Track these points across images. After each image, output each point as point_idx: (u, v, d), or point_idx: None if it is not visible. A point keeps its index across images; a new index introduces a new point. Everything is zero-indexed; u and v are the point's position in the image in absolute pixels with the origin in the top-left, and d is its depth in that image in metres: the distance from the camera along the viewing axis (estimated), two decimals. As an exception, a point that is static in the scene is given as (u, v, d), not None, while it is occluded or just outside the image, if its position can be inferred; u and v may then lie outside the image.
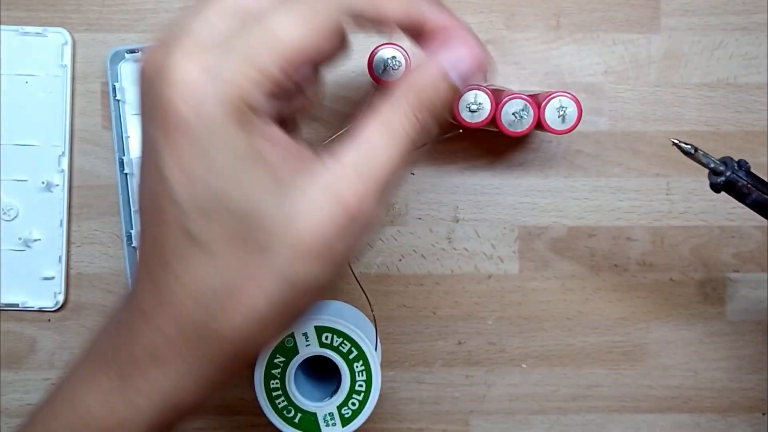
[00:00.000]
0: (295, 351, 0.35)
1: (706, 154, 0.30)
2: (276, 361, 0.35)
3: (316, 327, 0.35)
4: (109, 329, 0.25)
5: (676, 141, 0.30)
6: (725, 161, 0.30)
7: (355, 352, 0.35)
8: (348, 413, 0.35)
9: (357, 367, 0.35)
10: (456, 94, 0.23)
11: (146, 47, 0.23)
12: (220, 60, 0.21)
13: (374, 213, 0.22)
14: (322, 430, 0.35)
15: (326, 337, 0.35)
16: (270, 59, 0.21)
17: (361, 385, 0.35)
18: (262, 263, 0.22)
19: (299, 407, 0.35)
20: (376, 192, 0.22)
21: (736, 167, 0.29)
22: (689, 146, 0.30)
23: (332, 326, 0.35)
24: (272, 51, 0.21)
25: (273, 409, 0.35)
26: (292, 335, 0.35)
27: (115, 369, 0.24)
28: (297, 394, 0.35)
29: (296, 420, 0.35)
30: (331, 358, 0.35)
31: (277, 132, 0.22)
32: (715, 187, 0.30)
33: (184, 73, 0.21)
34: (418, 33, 0.24)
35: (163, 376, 0.23)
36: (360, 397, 0.35)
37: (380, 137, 0.22)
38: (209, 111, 0.21)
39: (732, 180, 0.29)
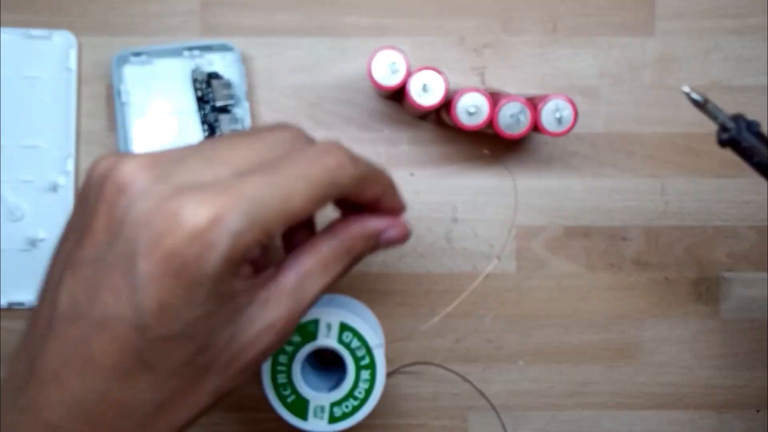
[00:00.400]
0: (313, 337, 0.35)
1: (716, 107, 0.29)
2: (292, 339, 0.35)
3: (341, 323, 0.35)
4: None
5: (687, 90, 0.29)
6: (736, 118, 0.29)
7: (367, 360, 0.35)
8: (338, 413, 0.35)
9: (363, 374, 0.35)
10: (373, 252, 0.28)
11: (142, 165, 0.23)
12: (238, 222, 0.22)
13: (294, 327, 0.26)
14: (309, 419, 0.35)
15: (347, 336, 0.35)
16: (278, 222, 0.23)
17: (360, 393, 0.35)
18: (199, 382, 0.24)
19: (296, 389, 0.35)
20: (302, 314, 0.26)
21: (744, 126, 0.28)
22: (700, 97, 0.29)
23: (356, 328, 0.35)
24: (281, 214, 0.23)
25: (271, 381, 0.35)
26: (317, 321, 0.35)
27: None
28: (299, 376, 0.35)
29: (289, 400, 0.35)
30: (344, 357, 0.35)
31: (248, 268, 0.24)
32: (721, 143, 0.29)
33: (199, 223, 0.21)
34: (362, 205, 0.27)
35: None
36: (355, 403, 0.35)
37: (316, 269, 0.26)
38: (213, 266, 0.22)
39: (736, 138, 0.28)
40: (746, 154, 0.29)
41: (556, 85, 0.41)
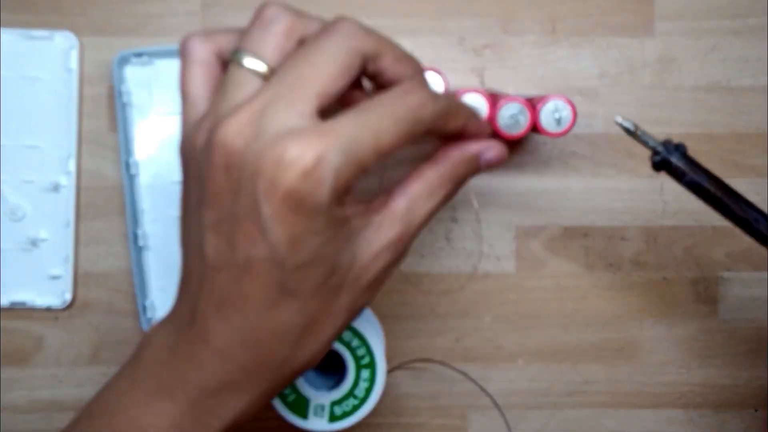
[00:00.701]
0: None
1: (645, 134, 0.31)
2: None
3: None
4: (161, 358, 0.28)
5: (619, 120, 0.31)
6: (665, 143, 0.31)
7: (367, 360, 0.35)
8: (339, 412, 0.35)
9: (364, 374, 0.35)
10: (476, 174, 0.30)
11: (239, 117, 0.25)
12: (337, 158, 0.24)
13: (407, 249, 0.28)
14: (309, 418, 0.35)
15: (347, 335, 0.35)
16: (371, 158, 0.25)
17: (360, 392, 0.35)
18: (335, 301, 0.27)
19: (296, 387, 0.35)
20: (413, 236, 0.28)
21: (672, 149, 0.31)
22: (630, 123, 0.31)
23: (356, 327, 0.35)
24: (373, 150, 0.25)
25: None
26: None
27: (181, 395, 0.27)
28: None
29: (289, 399, 0.35)
30: (344, 356, 0.35)
31: (353, 198, 0.27)
32: (654, 166, 0.31)
33: (303, 164, 0.24)
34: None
35: (238, 402, 0.27)
36: (355, 402, 0.35)
37: (423, 193, 0.28)
38: (324, 197, 0.24)
39: (666, 160, 0.31)
40: (677, 173, 0.31)
41: (556, 85, 0.41)
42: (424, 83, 0.28)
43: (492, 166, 0.30)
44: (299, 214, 0.24)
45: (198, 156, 0.26)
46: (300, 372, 0.28)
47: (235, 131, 0.25)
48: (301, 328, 0.27)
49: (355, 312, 0.28)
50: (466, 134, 0.29)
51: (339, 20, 0.27)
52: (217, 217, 0.26)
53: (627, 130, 0.31)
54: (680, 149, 0.31)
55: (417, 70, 0.29)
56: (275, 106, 0.25)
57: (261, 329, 0.26)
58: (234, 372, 0.27)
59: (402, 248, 0.28)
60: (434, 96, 0.27)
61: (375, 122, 0.25)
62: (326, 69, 0.26)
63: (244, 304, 0.26)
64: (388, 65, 0.27)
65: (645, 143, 0.31)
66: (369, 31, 0.27)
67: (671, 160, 0.31)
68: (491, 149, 0.30)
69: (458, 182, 0.29)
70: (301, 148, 0.24)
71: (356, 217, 0.27)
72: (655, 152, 0.31)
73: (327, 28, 0.27)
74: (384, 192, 0.28)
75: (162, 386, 0.27)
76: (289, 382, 0.28)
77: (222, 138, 0.25)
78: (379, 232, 0.27)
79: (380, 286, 0.28)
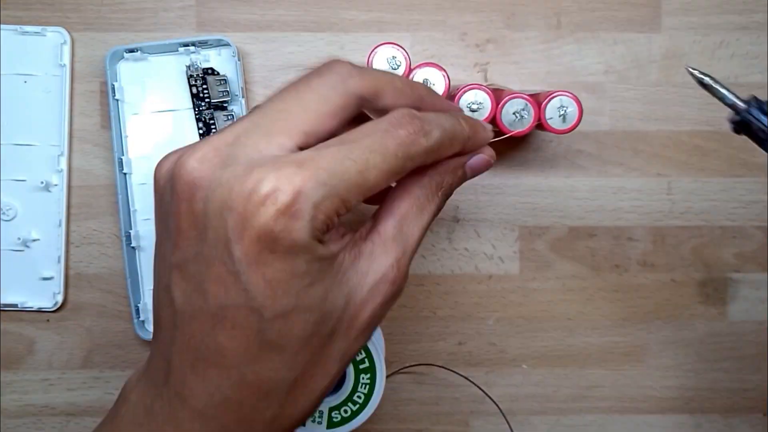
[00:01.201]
0: None
1: (724, 87, 0.27)
2: None
3: None
4: (139, 418, 0.26)
5: (691, 69, 0.27)
6: (748, 99, 0.26)
7: (366, 364, 0.35)
8: (337, 417, 0.35)
9: (363, 378, 0.35)
10: (462, 182, 0.28)
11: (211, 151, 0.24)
12: (316, 193, 0.22)
13: (406, 276, 0.26)
14: (306, 423, 0.35)
15: None
16: (355, 193, 0.23)
17: (360, 397, 0.35)
18: (327, 351, 0.25)
19: None
20: (410, 259, 0.26)
21: (755, 105, 0.26)
22: (706, 77, 0.27)
23: None
24: (358, 186, 0.23)
25: None
26: None
27: None
28: None
29: None
30: None
31: (336, 233, 0.25)
32: (734, 128, 0.27)
33: (279, 200, 0.22)
34: None
35: None
36: (354, 408, 0.35)
37: (412, 211, 0.26)
38: (302, 236, 0.22)
39: (747, 120, 0.26)
40: (759, 137, 0.26)
41: (561, 81, 0.41)
42: (417, 114, 0.26)
43: (478, 172, 0.29)
44: (275, 253, 0.22)
45: (164, 187, 0.25)
46: (293, 427, 0.26)
47: (199, 158, 0.23)
48: (289, 383, 0.24)
49: (349, 359, 0.26)
50: (463, 152, 0.28)
51: (332, 61, 0.25)
52: (183, 256, 0.24)
53: (702, 84, 0.27)
54: (765, 107, 0.26)
55: (424, 94, 0.27)
56: (249, 135, 0.23)
57: (243, 387, 0.24)
58: None
59: (401, 276, 0.26)
60: (427, 129, 0.25)
61: (360, 155, 0.23)
62: (315, 107, 0.24)
63: (221, 359, 0.24)
64: (393, 100, 0.26)
65: (721, 99, 0.26)
66: (363, 70, 0.25)
67: (752, 120, 0.25)
68: (477, 155, 0.28)
69: (447, 194, 0.28)
70: (277, 180, 0.22)
71: (343, 252, 0.25)
72: (734, 110, 0.26)
73: (319, 68, 0.25)
74: (370, 218, 0.26)
75: None
76: None
77: (185, 165, 0.23)
78: (372, 262, 0.25)
79: (377, 324, 0.26)
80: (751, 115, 0.26)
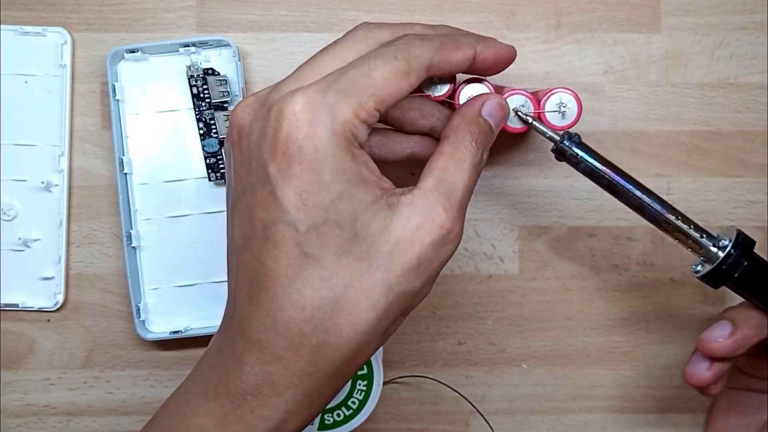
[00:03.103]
0: None
1: (542, 125, 0.33)
2: None
3: None
4: (211, 360, 0.28)
5: (515, 109, 0.33)
6: (562, 135, 0.32)
7: (364, 371, 0.35)
8: (330, 421, 0.35)
9: (360, 385, 0.35)
10: (492, 134, 0.30)
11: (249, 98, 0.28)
12: (331, 98, 0.25)
13: (460, 228, 0.27)
14: None
15: None
16: (372, 101, 0.26)
17: (354, 402, 0.35)
18: (368, 274, 0.25)
19: None
20: (460, 210, 0.27)
21: (566, 138, 0.32)
22: (529, 117, 0.33)
23: None
24: (367, 86, 0.26)
25: None
26: None
27: (226, 396, 0.27)
28: None
29: None
30: None
31: (371, 161, 0.27)
32: (555, 156, 0.32)
33: (299, 108, 0.25)
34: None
35: (280, 402, 0.26)
36: (348, 412, 0.35)
37: (450, 164, 0.27)
38: (323, 141, 0.25)
39: (562, 149, 0.32)
40: (572, 161, 0.32)
41: (560, 82, 0.41)
42: (415, 34, 0.28)
43: (498, 120, 0.30)
44: (301, 164, 0.24)
45: (226, 147, 0.28)
46: (343, 368, 0.26)
47: (243, 105, 0.27)
48: (330, 303, 0.25)
49: (399, 297, 0.26)
50: (484, 63, 0.29)
51: (358, 25, 0.29)
52: (237, 195, 0.26)
53: (525, 122, 0.33)
54: (574, 138, 0.32)
55: (447, 32, 0.30)
56: (285, 82, 0.27)
57: (289, 307, 0.25)
58: (271, 363, 0.26)
59: (450, 220, 0.26)
60: (424, 35, 0.28)
61: (361, 64, 0.26)
62: (345, 56, 0.27)
63: (269, 281, 0.26)
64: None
65: (543, 134, 0.32)
66: (384, 23, 0.29)
67: (565, 148, 0.32)
68: (489, 100, 0.30)
69: (480, 144, 0.29)
70: (298, 97, 0.25)
71: (381, 189, 0.26)
72: (553, 142, 0.32)
73: (346, 33, 0.29)
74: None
75: (209, 387, 0.27)
76: (336, 387, 0.27)
77: (235, 115, 0.27)
78: (414, 207, 0.26)
79: (430, 272, 0.26)
80: (564, 145, 0.32)
